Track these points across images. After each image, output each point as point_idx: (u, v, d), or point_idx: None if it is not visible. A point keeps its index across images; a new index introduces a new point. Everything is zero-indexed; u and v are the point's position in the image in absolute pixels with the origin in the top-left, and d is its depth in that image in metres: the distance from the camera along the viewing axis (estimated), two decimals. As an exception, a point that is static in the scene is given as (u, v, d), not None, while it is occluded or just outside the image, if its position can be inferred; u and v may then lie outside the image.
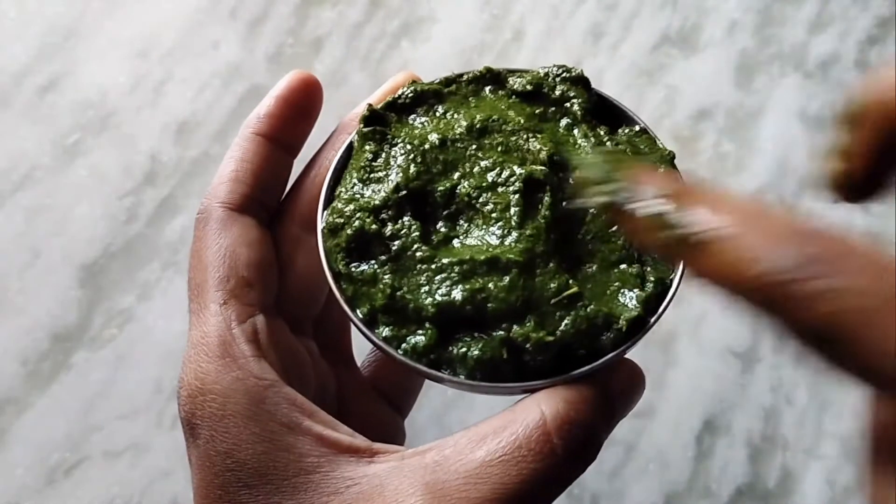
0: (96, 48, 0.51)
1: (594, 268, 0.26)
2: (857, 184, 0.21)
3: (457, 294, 0.25)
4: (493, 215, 0.26)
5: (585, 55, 0.52)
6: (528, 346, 0.24)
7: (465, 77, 0.30)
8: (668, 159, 0.28)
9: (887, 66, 0.20)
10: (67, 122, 0.49)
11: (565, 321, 0.24)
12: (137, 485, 0.43)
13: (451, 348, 0.25)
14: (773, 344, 0.45)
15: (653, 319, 0.25)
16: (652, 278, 0.26)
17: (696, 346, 0.42)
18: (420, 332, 0.25)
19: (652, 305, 0.25)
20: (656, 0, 0.54)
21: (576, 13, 0.53)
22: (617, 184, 0.20)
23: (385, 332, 0.25)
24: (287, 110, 0.28)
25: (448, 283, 0.25)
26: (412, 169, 0.27)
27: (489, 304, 0.24)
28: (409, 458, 0.22)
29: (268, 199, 0.28)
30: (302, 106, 0.28)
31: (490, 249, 0.25)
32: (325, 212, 0.27)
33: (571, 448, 0.22)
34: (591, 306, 0.25)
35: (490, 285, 0.25)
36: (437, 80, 0.30)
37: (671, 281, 0.26)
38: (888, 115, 0.20)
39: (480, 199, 0.27)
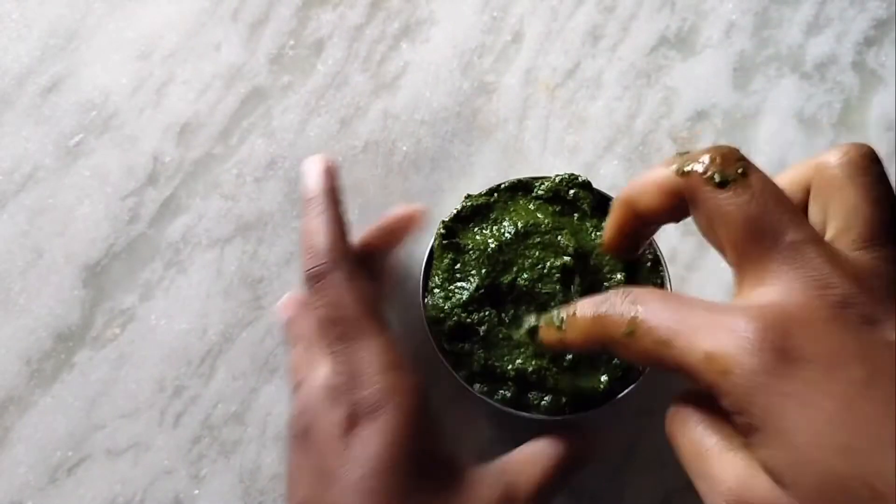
0: (98, 50, 0.51)
1: None
2: (613, 250, 0.31)
3: (529, 366, 0.37)
4: (545, 296, 0.38)
5: (584, 56, 0.52)
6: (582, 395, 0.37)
7: (503, 186, 0.41)
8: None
9: (650, 169, 0.28)
10: (70, 123, 0.50)
11: (605, 377, 0.37)
12: (139, 483, 0.43)
13: (528, 397, 0.37)
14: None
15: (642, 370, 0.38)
16: None
17: (694, 345, 0.43)
18: (504, 387, 0.37)
19: None
20: (654, 2, 0.54)
21: (574, 15, 0.54)
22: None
23: (479, 387, 0.37)
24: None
25: (523, 356, 0.37)
26: (483, 271, 0.38)
27: (550, 378, 0.37)
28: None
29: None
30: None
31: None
32: (427, 300, 0.39)
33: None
34: (616, 362, 0.38)
35: (551, 365, 0.37)
36: (484, 192, 0.41)
37: None
38: (634, 211, 0.29)
39: (535, 289, 0.38)
